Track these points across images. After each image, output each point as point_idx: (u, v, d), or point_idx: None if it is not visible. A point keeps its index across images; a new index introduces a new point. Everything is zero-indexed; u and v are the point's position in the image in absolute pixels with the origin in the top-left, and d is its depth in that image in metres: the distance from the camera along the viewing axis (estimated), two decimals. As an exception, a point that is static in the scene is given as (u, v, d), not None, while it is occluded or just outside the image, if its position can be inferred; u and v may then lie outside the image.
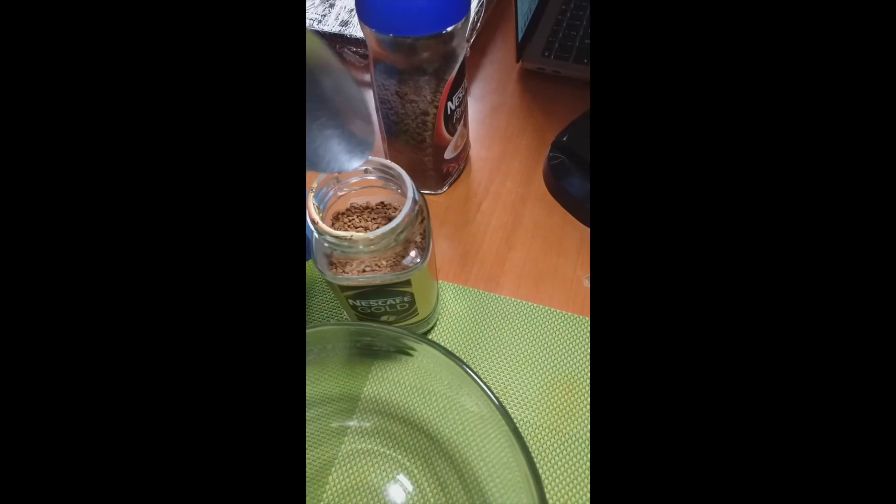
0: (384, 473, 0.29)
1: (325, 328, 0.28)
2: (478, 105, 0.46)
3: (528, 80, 0.47)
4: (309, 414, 0.31)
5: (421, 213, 0.26)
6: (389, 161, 0.25)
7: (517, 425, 0.24)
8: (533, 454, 0.29)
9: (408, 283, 0.26)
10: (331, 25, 0.49)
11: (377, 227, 0.27)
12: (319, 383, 0.32)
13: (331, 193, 0.26)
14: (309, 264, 0.37)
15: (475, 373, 0.26)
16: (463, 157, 0.40)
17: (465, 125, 0.38)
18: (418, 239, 0.26)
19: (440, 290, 0.35)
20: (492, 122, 0.45)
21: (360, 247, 0.23)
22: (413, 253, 0.25)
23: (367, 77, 0.49)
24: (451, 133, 0.36)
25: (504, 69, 0.49)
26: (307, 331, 0.27)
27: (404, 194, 0.25)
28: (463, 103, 0.36)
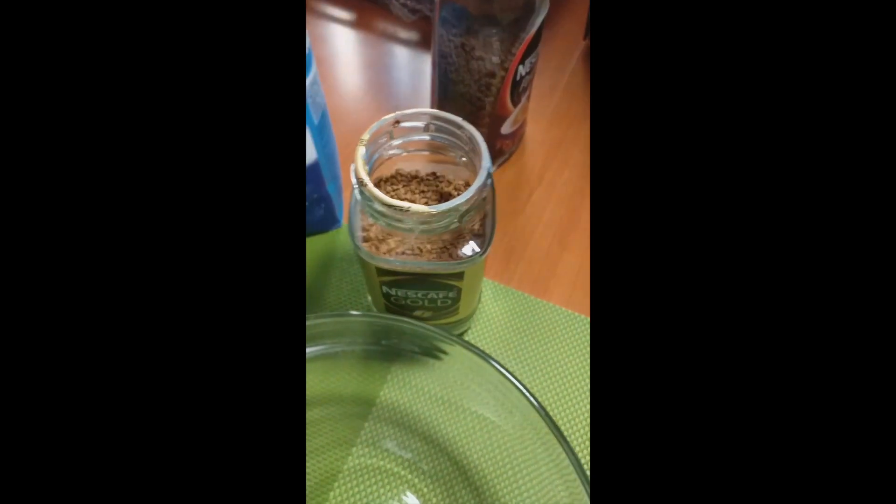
0: (395, 499, 0.24)
1: (343, 319, 0.23)
2: (537, 80, 0.41)
3: (596, 61, 0.42)
4: (314, 413, 0.26)
5: (490, 193, 0.20)
6: (460, 118, 0.19)
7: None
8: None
9: (460, 276, 0.21)
10: (380, -30, 0.43)
11: (426, 202, 0.22)
12: (329, 379, 0.26)
13: (378, 153, 0.21)
14: (330, 235, 0.32)
15: (528, 389, 0.21)
16: (518, 134, 0.35)
17: (529, 98, 0.33)
18: (477, 225, 0.21)
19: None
20: (551, 102, 0.39)
21: (414, 223, 0.18)
22: (473, 241, 0.20)
23: (415, 36, 0.43)
24: (515, 104, 0.30)
25: (569, 45, 0.43)
26: (321, 320, 0.22)
27: (473, 164, 0.19)
28: (533, 71, 0.30)
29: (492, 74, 0.28)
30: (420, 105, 0.39)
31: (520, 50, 0.27)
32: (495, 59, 0.27)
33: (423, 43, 0.43)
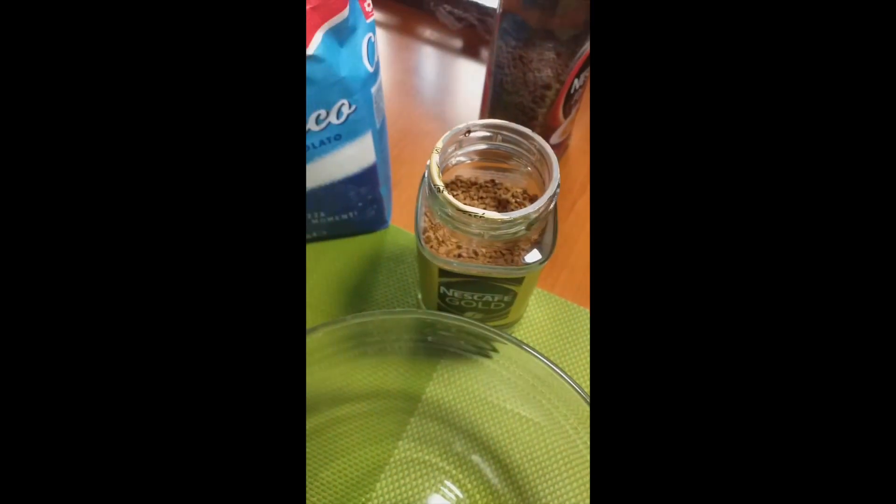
0: (439, 492, 0.25)
1: (391, 317, 0.24)
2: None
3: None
4: (362, 406, 0.27)
5: (555, 203, 0.21)
6: (529, 129, 0.20)
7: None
8: None
9: (519, 281, 0.22)
10: (429, -22, 0.44)
11: (484, 208, 0.23)
12: (377, 374, 0.27)
13: (446, 161, 0.21)
14: (378, 235, 0.33)
15: (582, 389, 0.21)
16: (565, 145, 0.35)
17: (578, 110, 0.33)
18: (537, 235, 0.22)
19: (523, 291, 0.30)
20: (593, 114, 0.40)
21: (484, 228, 0.19)
22: (535, 249, 0.21)
23: (459, 43, 0.44)
24: (566, 115, 0.31)
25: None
26: (370, 318, 0.23)
27: (540, 174, 0.20)
28: (586, 84, 0.31)
29: (547, 87, 0.29)
30: (464, 112, 0.40)
31: (576, 65, 0.28)
32: (551, 73, 0.28)
33: (468, 50, 0.44)
